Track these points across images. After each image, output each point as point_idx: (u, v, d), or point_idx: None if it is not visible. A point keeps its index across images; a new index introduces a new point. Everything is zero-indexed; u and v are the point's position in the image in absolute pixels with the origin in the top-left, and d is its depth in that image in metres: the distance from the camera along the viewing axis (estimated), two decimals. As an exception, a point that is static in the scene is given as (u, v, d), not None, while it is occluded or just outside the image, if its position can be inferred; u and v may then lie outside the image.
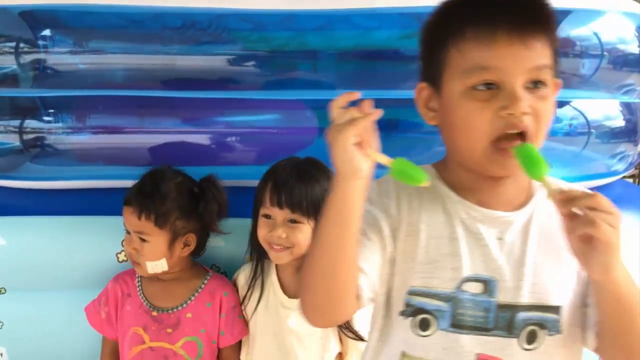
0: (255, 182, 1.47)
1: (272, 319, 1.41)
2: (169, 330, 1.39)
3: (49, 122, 1.56)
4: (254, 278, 1.43)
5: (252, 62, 1.55)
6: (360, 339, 1.37)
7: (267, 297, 1.43)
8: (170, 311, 1.41)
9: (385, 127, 1.48)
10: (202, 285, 1.44)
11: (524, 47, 0.82)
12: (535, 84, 0.84)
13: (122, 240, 1.49)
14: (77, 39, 1.52)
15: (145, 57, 1.54)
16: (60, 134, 1.56)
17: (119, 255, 1.56)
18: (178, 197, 1.39)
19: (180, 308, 1.41)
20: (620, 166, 1.66)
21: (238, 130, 1.60)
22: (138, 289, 1.44)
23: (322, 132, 1.48)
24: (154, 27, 1.52)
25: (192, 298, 1.42)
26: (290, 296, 1.41)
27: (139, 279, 1.45)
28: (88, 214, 1.57)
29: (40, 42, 1.51)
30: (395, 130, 1.57)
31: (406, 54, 1.52)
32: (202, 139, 1.59)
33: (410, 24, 1.52)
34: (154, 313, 1.40)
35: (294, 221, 1.33)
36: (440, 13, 0.89)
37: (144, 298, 1.42)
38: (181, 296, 1.43)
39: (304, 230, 1.33)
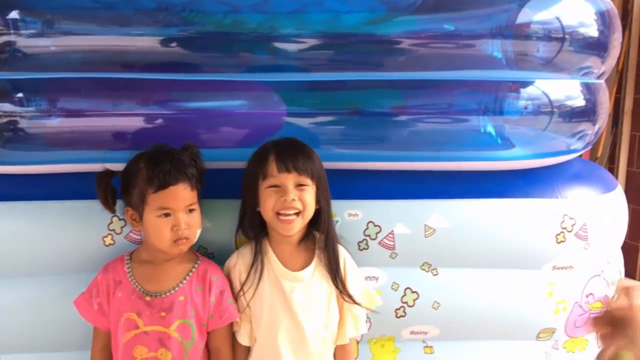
0: (229, 164, 1.52)
1: (278, 295, 1.45)
2: (163, 314, 1.40)
3: (21, 105, 1.52)
4: (255, 258, 1.46)
5: (223, 45, 1.55)
6: (355, 302, 1.48)
7: (268, 275, 1.46)
8: (163, 295, 1.42)
9: (349, 110, 1.59)
10: (193, 269, 1.46)
11: None
12: None
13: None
14: (48, 21, 1.49)
15: (116, 40, 1.52)
16: (32, 117, 1.53)
17: (105, 239, 1.55)
18: (189, 159, 1.45)
19: (172, 291, 1.42)
20: (579, 145, 1.73)
21: (210, 113, 1.60)
22: (129, 275, 1.44)
23: (290, 115, 1.58)
24: (126, 9, 1.50)
25: (184, 281, 1.43)
26: (291, 270, 1.47)
27: (129, 265, 1.45)
28: (69, 199, 1.56)
29: (10, 25, 1.47)
30: (359, 113, 1.61)
31: (371, 39, 1.55)
32: (176, 121, 1.58)
33: (378, 8, 1.55)
34: (147, 298, 1.41)
35: (301, 185, 1.42)
36: None
37: (136, 283, 1.43)
38: (173, 279, 1.44)
39: (310, 192, 1.43)
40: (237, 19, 1.53)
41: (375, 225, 1.62)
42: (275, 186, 1.42)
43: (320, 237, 1.50)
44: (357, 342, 1.68)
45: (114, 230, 1.55)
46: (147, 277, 1.44)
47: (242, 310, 1.48)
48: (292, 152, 1.43)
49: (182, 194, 1.40)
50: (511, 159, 1.67)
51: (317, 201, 1.46)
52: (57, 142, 1.57)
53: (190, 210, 1.42)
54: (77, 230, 1.55)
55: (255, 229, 1.49)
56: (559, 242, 1.68)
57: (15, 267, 1.58)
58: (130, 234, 1.56)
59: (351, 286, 1.49)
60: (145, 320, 1.40)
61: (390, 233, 1.62)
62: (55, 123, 1.55)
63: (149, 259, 1.46)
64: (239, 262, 1.49)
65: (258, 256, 1.47)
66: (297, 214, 1.42)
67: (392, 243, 1.62)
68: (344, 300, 1.49)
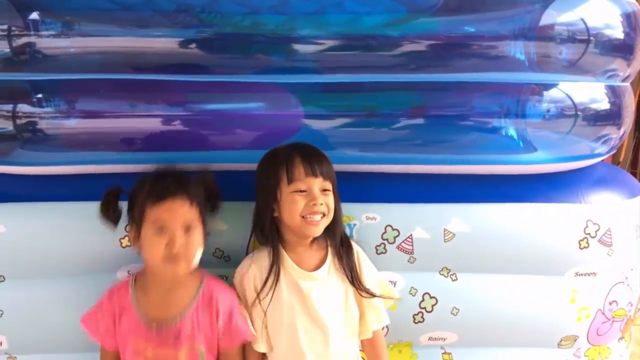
0: (247, 166, 1.51)
1: (297, 296, 1.44)
2: (170, 340, 1.37)
3: (40, 106, 1.54)
4: (273, 263, 1.45)
5: (241, 47, 1.55)
6: (373, 295, 1.48)
7: (285, 278, 1.45)
8: (169, 324, 1.37)
9: (368, 113, 1.59)
10: (198, 294, 1.41)
11: None
12: None
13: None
14: (67, 22, 1.50)
15: (134, 41, 1.53)
16: (51, 118, 1.54)
17: (122, 240, 1.55)
18: (197, 181, 1.41)
19: (179, 320, 1.38)
20: (603, 149, 1.70)
21: (227, 115, 1.60)
22: (134, 303, 1.40)
23: (308, 117, 1.58)
24: (145, 10, 1.51)
25: (190, 309, 1.39)
26: (307, 270, 1.46)
27: (134, 291, 1.41)
28: (87, 200, 1.53)
29: (31, 26, 1.49)
30: (377, 115, 1.60)
31: (391, 41, 1.54)
32: (193, 123, 1.58)
33: (398, 9, 1.54)
34: (153, 328, 1.37)
35: (325, 190, 1.43)
36: None
37: (141, 313, 1.39)
38: (178, 306, 1.39)
39: (332, 197, 1.44)
40: (256, 20, 1.53)
41: (394, 229, 1.60)
42: (301, 191, 1.41)
43: (331, 238, 1.49)
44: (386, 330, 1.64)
45: (131, 231, 1.55)
46: (152, 305, 1.39)
47: (258, 316, 1.46)
48: (317, 156, 1.44)
49: (180, 209, 1.34)
50: (533, 162, 1.65)
51: None
52: (75, 143, 1.57)
53: (188, 229, 1.35)
54: (94, 232, 1.52)
55: (272, 235, 1.47)
56: (582, 248, 1.65)
57: (31, 269, 1.58)
58: (147, 236, 1.55)
59: (367, 279, 1.49)
60: (153, 345, 1.37)
61: (408, 237, 1.61)
62: (74, 124, 1.56)
63: (153, 284, 1.41)
64: (253, 268, 1.46)
65: (275, 261, 1.45)
66: (322, 216, 1.43)
67: (410, 247, 1.61)
68: (362, 296, 1.48)
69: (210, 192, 1.43)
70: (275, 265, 1.44)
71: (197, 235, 1.37)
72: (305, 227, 1.42)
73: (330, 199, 1.43)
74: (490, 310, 1.64)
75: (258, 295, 1.43)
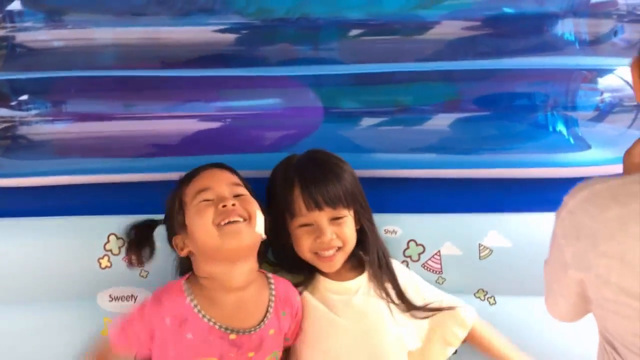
0: (256, 173, 1.39)
1: (327, 317, 1.28)
2: (251, 354, 1.20)
3: (20, 109, 1.48)
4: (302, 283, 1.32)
5: (247, 36, 1.48)
6: (442, 309, 1.33)
7: (312, 296, 1.31)
8: (252, 331, 1.21)
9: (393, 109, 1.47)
10: (273, 294, 1.25)
11: None
12: None
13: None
14: (50, 13, 1.45)
15: (128, 32, 1.46)
16: (35, 123, 1.49)
17: (100, 260, 1.42)
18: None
19: (263, 325, 1.22)
20: (673, 147, 1.54)
21: (235, 114, 1.54)
22: (197, 310, 1.20)
23: (327, 112, 1.43)
24: None
25: (271, 310, 1.25)
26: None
27: (192, 298, 1.21)
28: (68, 214, 1.45)
29: (8, 18, 1.43)
30: (404, 111, 1.53)
31: (420, 25, 1.46)
32: (195, 124, 1.52)
33: (426, -12, 1.46)
34: (232, 336, 1.19)
35: (337, 218, 1.28)
36: None
37: (212, 320, 1.20)
38: (256, 310, 1.24)
39: (349, 224, 1.30)
40: (262, 6, 1.44)
41: (418, 245, 1.44)
42: (308, 224, 1.27)
43: (367, 258, 1.33)
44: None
45: (110, 250, 1.42)
46: (222, 312, 1.21)
47: None
48: (322, 181, 1.26)
49: (220, 174, 1.24)
50: (587, 163, 1.49)
51: (357, 221, 1.31)
52: (58, 150, 1.52)
53: (237, 191, 1.22)
54: (68, 252, 1.42)
55: (302, 268, 1.32)
56: (646, 264, 1.46)
57: (7, 293, 1.46)
58: (130, 256, 1.47)
59: (433, 296, 1.35)
60: (233, 357, 1.19)
61: (436, 254, 1.45)
62: (63, 128, 1.52)
63: (219, 287, 1.22)
64: None
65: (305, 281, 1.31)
66: (337, 249, 1.28)
67: (438, 266, 1.45)
68: (423, 315, 1.31)
69: None
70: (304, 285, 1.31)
71: (250, 197, 1.24)
72: (319, 263, 1.29)
73: (345, 227, 1.27)
74: (535, 339, 1.46)
75: None
